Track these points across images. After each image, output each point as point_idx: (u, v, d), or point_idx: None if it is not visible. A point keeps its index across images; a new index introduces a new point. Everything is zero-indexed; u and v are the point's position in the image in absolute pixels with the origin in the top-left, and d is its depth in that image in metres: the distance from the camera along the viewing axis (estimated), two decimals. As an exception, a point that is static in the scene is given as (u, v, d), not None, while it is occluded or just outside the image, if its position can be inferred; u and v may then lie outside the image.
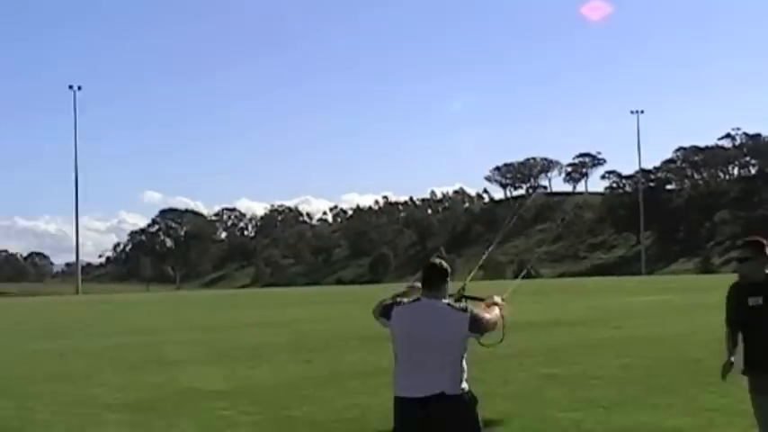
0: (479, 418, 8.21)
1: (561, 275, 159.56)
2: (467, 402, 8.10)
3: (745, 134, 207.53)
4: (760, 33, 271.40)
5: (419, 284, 8.39)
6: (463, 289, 8.66)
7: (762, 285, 9.15)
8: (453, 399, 7.96)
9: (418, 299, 8.23)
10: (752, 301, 9.19)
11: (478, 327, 8.07)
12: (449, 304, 8.11)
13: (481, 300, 8.52)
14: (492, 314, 8.30)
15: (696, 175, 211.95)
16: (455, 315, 8.00)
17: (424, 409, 7.95)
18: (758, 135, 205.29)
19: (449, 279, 8.24)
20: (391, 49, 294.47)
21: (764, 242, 9.32)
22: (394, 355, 8.31)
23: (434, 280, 8.18)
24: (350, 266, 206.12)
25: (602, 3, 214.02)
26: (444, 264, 8.34)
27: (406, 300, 8.34)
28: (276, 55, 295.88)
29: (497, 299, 8.61)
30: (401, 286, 8.77)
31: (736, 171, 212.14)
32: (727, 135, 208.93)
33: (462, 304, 8.20)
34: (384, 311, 8.30)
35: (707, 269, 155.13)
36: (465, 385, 8.07)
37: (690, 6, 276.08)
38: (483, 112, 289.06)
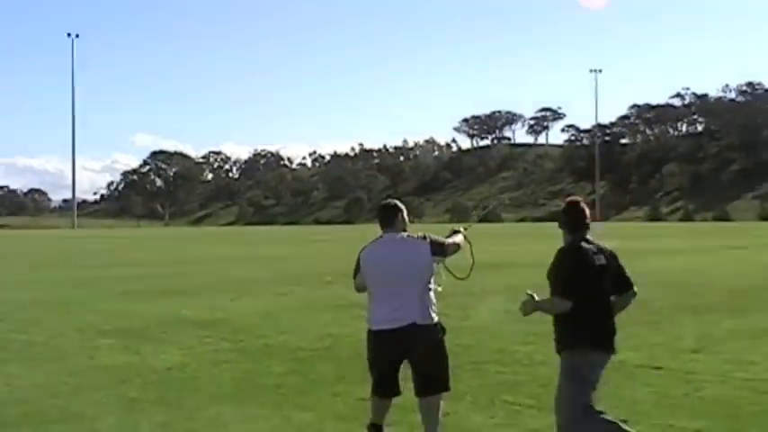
0: (446, 347, 8.33)
1: (522, 220, 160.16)
2: (437, 332, 8.21)
3: (694, 94, 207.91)
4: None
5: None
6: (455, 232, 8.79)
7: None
8: (424, 328, 8.08)
9: (381, 236, 8.33)
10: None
11: (440, 248, 8.21)
12: (408, 235, 8.23)
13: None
14: (453, 239, 8.44)
15: (648, 131, 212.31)
16: (416, 242, 8.14)
17: (398, 339, 8.05)
18: (705, 95, 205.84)
19: (402, 215, 8.35)
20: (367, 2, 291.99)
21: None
22: (368, 293, 8.37)
23: (390, 217, 8.30)
24: (327, 208, 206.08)
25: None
26: (395, 202, 8.48)
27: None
28: (260, 9, 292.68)
29: (459, 228, 8.75)
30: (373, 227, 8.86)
31: (684, 128, 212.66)
32: (678, 94, 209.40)
33: (420, 233, 8.31)
34: (355, 269, 8.41)
35: (655, 217, 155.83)
36: (435, 316, 8.17)
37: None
38: (454, 66, 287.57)
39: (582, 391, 7.39)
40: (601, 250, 7.59)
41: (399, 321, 8.01)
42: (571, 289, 7.31)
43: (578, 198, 7.99)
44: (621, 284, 7.73)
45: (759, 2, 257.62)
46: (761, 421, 9.41)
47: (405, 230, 8.35)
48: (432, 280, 8.24)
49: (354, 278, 8.43)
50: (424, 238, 8.23)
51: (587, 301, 7.35)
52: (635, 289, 7.80)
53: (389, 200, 8.61)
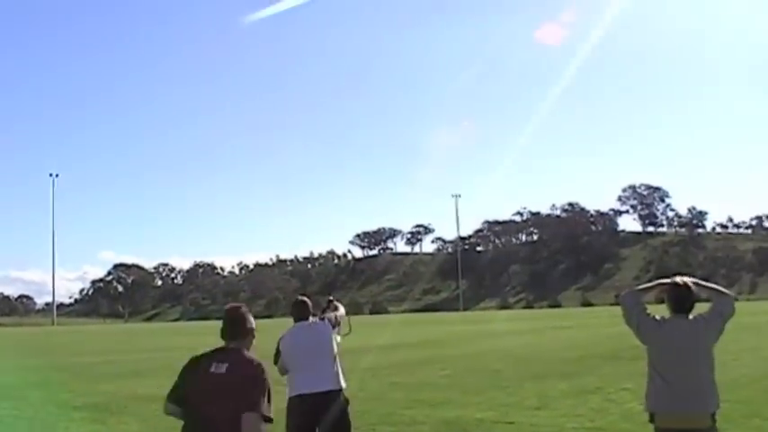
0: (350, 415, 8.32)
1: (403, 311, 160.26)
2: (344, 400, 8.21)
3: (530, 212, 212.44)
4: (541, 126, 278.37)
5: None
6: (330, 301, 8.94)
7: None
8: (336, 393, 8.08)
9: (294, 326, 8.41)
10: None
11: (333, 323, 8.36)
12: (312, 321, 8.36)
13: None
14: (336, 312, 8.61)
15: (497, 240, 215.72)
16: (317, 324, 8.28)
17: (314, 402, 8.01)
18: (538, 212, 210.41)
19: (310, 308, 8.49)
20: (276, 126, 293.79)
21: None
22: (286, 370, 8.33)
23: (300, 310, 8.41)
24: (252, 306, 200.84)
25: (557, 26, 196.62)
26: (302, 298, 8.64)
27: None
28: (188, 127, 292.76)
29: (338, 305, 8.85)
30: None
31: (523, 237, 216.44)
32: (518, 212, 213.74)
33: (318, 319, 8.44)
34: (276, 356, 8.39)
35: (505, 306, 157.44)
36: (343, 383, 8.20)
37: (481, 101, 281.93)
38: (348, 191, 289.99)
39: None
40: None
41: (315, 387, 8.00)
42: None
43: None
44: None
45: (579, 141, 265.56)
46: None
47: (309, 318, 8.44)
48: (336, 350, 8.30)
49: (276, 363, 8.35)
50: (323, 318, 8.37)
51: None
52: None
53: (298, 297, 8.72)
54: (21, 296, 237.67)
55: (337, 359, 8.30)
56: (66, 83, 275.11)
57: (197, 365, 5.48)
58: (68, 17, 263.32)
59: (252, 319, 5.70)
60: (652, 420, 6.13)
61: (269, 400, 5.14)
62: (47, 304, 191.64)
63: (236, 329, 5.57)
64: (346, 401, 8.26)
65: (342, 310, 8.74)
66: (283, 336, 8.43)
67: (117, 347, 42.12)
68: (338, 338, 8.50)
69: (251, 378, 5.18)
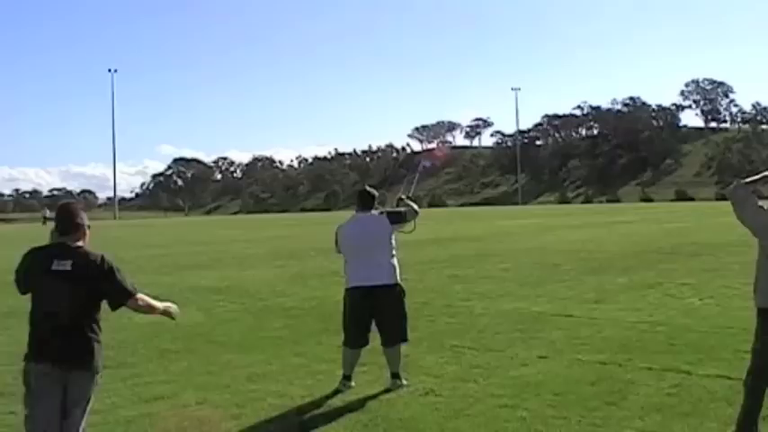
0: (406, 305, 8.36)
1: (462, 205, 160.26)
2: (400, 292, 8.24)
3: (590, 106, 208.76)
4: (603, 27, 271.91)
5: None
6: (401, 199, 8.76)
7: None
8: (391, 287, 8.11)
9: (353, 216, 8.39)
10: None
11: (397, 216, 8.28)
12: (371, 213, 8.28)
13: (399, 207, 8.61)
14: (408, 206, 8.49)
15: (557, 135, 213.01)
16: (378, 218, 8.21)
17: (369, 295, 8.07)
18: (599, 107, 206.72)
19: (375, 201, 8.40)
20: (345, 18, 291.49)
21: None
22: (344, 260, 8.39)
23: (364, 201, 8.34)
24: (310, 199, 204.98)
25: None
26: (371, 190, 8.50)
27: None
28: (249, 44, 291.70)
29: (401, 196, 8.70)
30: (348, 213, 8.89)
31: (583, 132, 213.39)
32: (578, 106, 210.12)
33: (379, 211, 8.37)
34: (335, 239, 8.44)
35: (564, 201, 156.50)
36: (398, 278, 8.21)
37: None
38: (407, 83, 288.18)
39: None
40: None
41: (371, 281, 8.04)
42: None
43: None
44: None
45: (642, 35, 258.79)
46: (645, 352, 9.52)
47: (372, 210, 8.40)
48: (394, 245, 8.28)
49: (336, 245, 8.45)
50: (381, 213, 8.30)
51: None
52: None
53: (365, 187, 8.60)
54: (83, 191, 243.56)
55: (395, 253, 8.29)
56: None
57: (38, 264, 5.37)
58: None
59: (84, 215, 5.76)
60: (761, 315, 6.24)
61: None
62: (108, 198, 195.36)
63: (67, 225, 5.52)
64: (402, 293, 8.31)
65: (413, 205, 8.64)
66: (342, 225, 8.45)
67: (178, 240, 42.84)
68: (408, 231, 8.49)
69: (104, 271, 5.59)
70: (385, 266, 8.11)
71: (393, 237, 8.28)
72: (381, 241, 8.16)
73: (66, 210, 5.65)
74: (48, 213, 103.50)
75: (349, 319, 8.32)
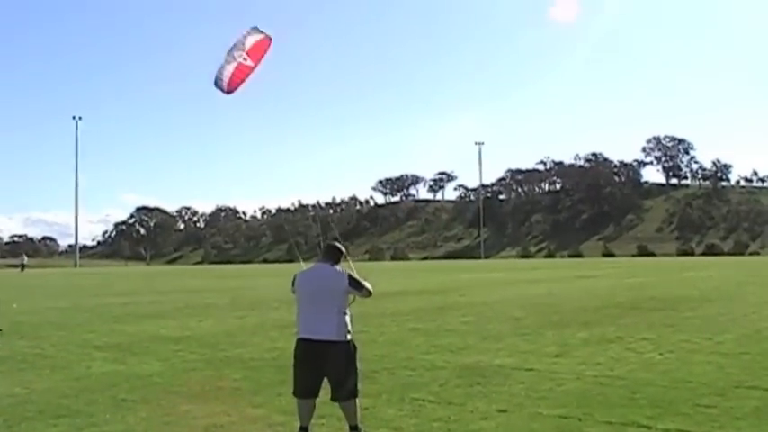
0: (357, 360, 8.31)
1: (424, 258, 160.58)
2: (349, 348, 8.19)
3: (553, 161, 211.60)
4: (564, 79, 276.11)
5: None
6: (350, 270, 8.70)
7: None
8: (338, 344, 8.07)
9: (314, 265, 8.40)
10: None
11: (355, 285, 8.23)
12: (333, 267, 8.28)
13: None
14: (366, 285, 8.42)
15: (519, 189, 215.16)
16: (338, 272, 8.18)
17: (317, 349, 8.05)
18: (561, 162, 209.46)
19: (341, 256, 8.40)
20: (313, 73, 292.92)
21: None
22: (297, 308, 8.38)
23: (331, 255, 8.34)
24: (273, 250, 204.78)
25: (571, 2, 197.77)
26: (339, 246, 8.49)
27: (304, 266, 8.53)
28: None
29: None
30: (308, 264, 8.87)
31: (546, 186, 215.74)
32: (541, 161, 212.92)
33: (343, 269, 8.34)
34: (293, 282, 8.42)
35: (526, 255, 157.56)
36: (349, 336, 8.17)
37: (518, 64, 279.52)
38: (371, 136, 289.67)
39: None
40: None
41: (319, 334, 8.02)
42: None
43: None
44: None
45: (601, 88, 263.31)
46: (605, 406, 9.56)
47: (336, 265, 8.39)
48: (348, 302, 8.26)
49: (292, 286, 8.44)
50: (344, 271, 8.29)
51: None
52: None
53: (336, 243, 8.59)
54: (44, 238, 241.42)
55: (347, 311, 8.28)
56: (88, 25, 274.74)
57: None
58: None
59: None
60: None
61: None
62: (70, 246, 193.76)
63: None
64: (354, 348, 8.27)
65: (370, 287, 8.51)
66: (303, 270, 8.46)
67: (138, 289, 42.50)
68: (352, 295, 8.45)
69: None
70: (334, 322, 8.07)
71: (347, 295, 8.27)
72: (335, 296, 8.14)
73: None
74: (26, 260, 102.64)
75: (295, 368, 8.30)
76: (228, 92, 10.99)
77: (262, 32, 11.15)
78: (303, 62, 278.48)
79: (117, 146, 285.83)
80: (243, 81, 10.94)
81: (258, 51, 10.99)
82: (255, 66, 10.95)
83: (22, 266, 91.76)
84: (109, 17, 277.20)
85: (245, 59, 10.89)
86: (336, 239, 8.84)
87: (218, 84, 10.96)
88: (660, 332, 17.13)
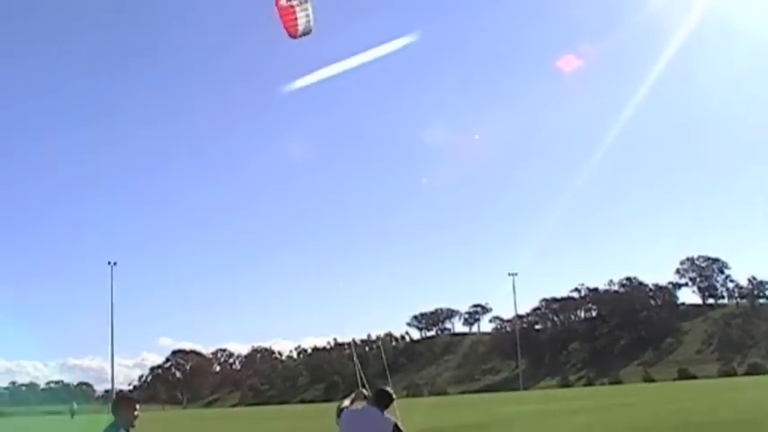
0: None
1: (462, 392, 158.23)
2: None
3: (587, 288, 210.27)
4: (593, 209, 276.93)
5: (360, 392, 8.80)
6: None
7: None
8: None
9: (364, 406, 8.59)
10: None
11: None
12: (382, 413, 8.46)
13: None
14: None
15: (555, 318, 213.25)
16: (384, 418, 8.38)
17: None
18: (596, 288, 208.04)
19: (391, 402, 8.60)
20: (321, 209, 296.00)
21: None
22: None
23: (380, 399, 8.56)
24: (310, 390, 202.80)
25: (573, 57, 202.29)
26: (390, 391, 8.72)
27: (351, 405, 8.71)
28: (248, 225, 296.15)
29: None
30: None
31: (582, 314, 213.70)
32: (576, 289, 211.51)
33: (393, 418, 8.50)
34: (338, 413, 8.65)
35: (565, 384, 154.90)
36: None
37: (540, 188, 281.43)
38: (402, 273, 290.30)
39: None
40: None
41: None
42: None
43: None
44: None
45: (635, 215, 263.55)
46: None
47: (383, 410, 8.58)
48: None
49: (337, 417, 8.66)
50: (391, 420, 8.47)
51: None
52: None
53: (388, 389, 8.77)
54: (80, 383, 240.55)
55: None
56: (119, 172, 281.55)
57: None
58: (106, 105, 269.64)
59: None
60: None
61: None
62: (106, 391, 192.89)
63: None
64: None
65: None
66: (349, 408, 8.66)
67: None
68: None
69: None
70: None
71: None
72: None
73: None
74: (75, 407, 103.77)
75: None
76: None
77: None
78: (330, 203, 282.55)
79: (152, 289, 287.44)
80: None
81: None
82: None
83: (72, 413, 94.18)
84: (135, 161, 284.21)
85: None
86: (374, 377, 9.08)
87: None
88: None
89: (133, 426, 7.11)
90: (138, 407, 6.84)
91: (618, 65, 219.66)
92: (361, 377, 9.82)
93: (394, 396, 8.70)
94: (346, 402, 8.98)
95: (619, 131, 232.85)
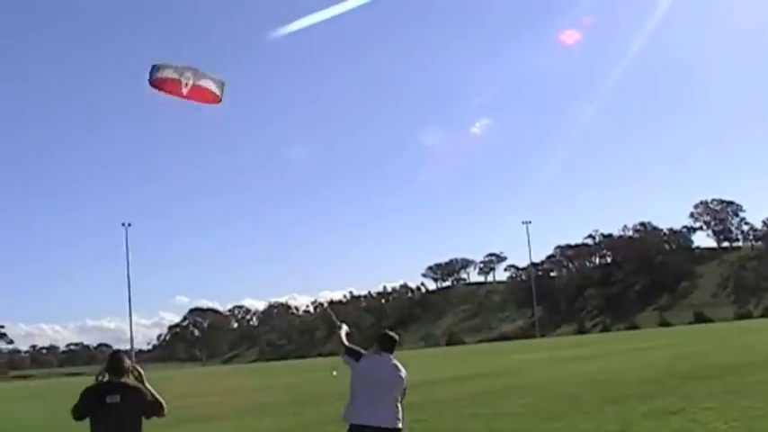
0: None
1: (480, 341, 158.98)
2: None
3: (602, 234, 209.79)
4: (607, 152, 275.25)
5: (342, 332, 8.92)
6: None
7: None
8: (392, 431, 8.21)
9: (378, 353, 8.50)
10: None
11: (406, 391, 8.42)
12: (391, 358, 8.43)
13: None
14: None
15: (570, 265, 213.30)
16: (401, 371, 8.33)
17: None
18: (610, 234, 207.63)
19: (395, 345, 8.56)
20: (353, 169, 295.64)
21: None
22: (351, 392, 8.50)
23: (385, 344, 8.49)
24: (327, 344, 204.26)
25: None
26: (392, 334, 8.68)
27: (365, 352, 8.64)
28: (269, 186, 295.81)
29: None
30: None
31: (597, 260, 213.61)
32: (590, 235, 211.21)
33: (403, 371, 8.45)
34: (351, 353, 8.58)
35: (581, 331, 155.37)
36: (400, 424, 8.29)
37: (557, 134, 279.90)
38: (418, 223, 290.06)
39: None
40: None
41: (376, 422, 8.13)
42: None
43: None
44: None
45: (647, 159, 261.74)
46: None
47: (392, 354, 8.55)
48: (405, 390, 8.41)
49: (342, 355, 8.83)
50: (405, 376, 8.43)
51: None
52: None
53: (389, 332, 8.81)
54: (99, 344, 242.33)
55: (401, 405, 8.43)
56: (132, 133, 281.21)
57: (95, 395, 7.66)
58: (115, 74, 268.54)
59: (128, 360, 8.16)
60: None
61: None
62: (125, 352, 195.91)
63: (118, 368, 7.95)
64: None
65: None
66: (366, 357, 8.58)
67: (195, 391, 42.55)
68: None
69: (144, 401, 7.93)
70: (391, 410, 8.24)
71: (403, 391, 8.43)
72: (395, 386, 8.31)
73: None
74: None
75: None
76: (151, 81, 9.92)
77: (220, 90, 10.47)
78: (345, 154, 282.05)
79: (167, 249, 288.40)
80: (164, 91, 10.06)
81: (200, 95, 10.24)
82: (185, 95, 10.12)
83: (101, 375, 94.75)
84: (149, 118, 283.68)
85: (186, 84, 10.08)
86: (387, 328, 9.01)
87: (154, 74, 10.10)
88: (723, 400, 16.80)
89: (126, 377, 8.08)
90: (125, 360, 8.07)
91: None
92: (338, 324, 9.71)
93: (396, 338, 8.70)
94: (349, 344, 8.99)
95: (630, 72, 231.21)
